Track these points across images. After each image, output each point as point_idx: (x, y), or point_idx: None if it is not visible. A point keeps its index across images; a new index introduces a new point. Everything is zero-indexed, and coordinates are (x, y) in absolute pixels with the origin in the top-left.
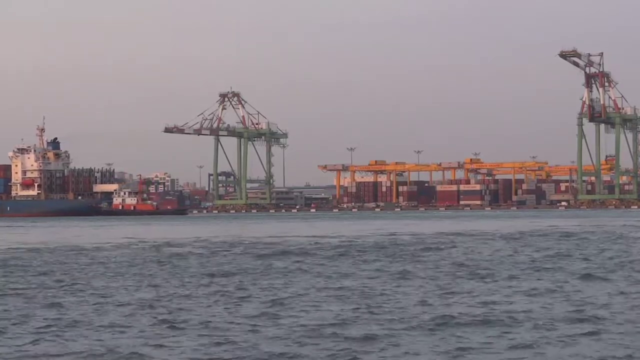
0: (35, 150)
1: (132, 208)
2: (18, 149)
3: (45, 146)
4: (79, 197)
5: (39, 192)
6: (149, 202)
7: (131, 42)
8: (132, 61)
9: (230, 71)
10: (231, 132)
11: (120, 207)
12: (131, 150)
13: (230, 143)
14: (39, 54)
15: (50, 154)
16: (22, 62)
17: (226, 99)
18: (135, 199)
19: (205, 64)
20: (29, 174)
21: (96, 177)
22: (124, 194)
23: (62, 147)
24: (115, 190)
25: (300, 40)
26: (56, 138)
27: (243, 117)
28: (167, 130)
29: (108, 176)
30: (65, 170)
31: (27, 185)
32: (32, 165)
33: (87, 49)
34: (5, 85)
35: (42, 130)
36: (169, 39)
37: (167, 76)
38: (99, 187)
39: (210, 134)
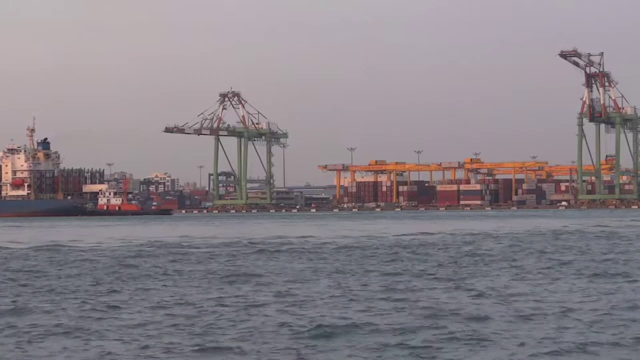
0: (25, 151)
1: (116, 208)
2: (8, 149)
3: (36, 146)
4: (69, 197)
5: (29, 192)
6: (133, 202)
7: (131, 42)
8: (132, 61)
9: (230, 71)
10: (231, 132)
11: (105, 207)
12: (131, 150)
13: (230, 143)
14: (38, 54)
15: (40, 154)
16: (21, 62)
17: (226, 99)
18: (120, 199)
19: (205, 64)
20: (19, 174)
21: (86, 177)
22: (109, 194)
23: (58, 147)
24: (100, 190)
25: (300, 40)
26: (46, 138)
27: (243, 117)
28: (167, 130)
29: (98, 176)
30: (55, 171)
31: (17, 185)
32: (22, 165)
33: (87, 49)
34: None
35: (32, 130)
36: (169, 39)
37: (167, 76)
38: (89, 187)
39: (210, 134)
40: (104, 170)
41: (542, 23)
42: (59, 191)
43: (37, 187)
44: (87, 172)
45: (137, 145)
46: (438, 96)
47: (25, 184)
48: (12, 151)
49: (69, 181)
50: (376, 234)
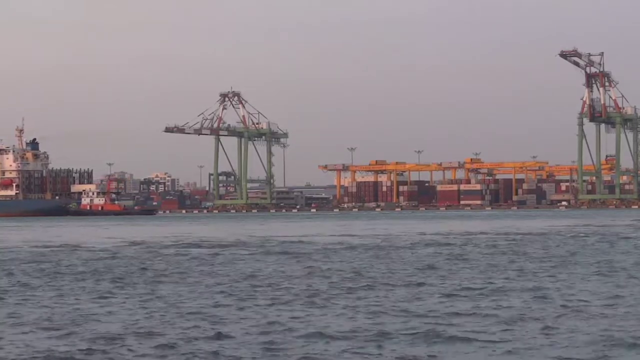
0: (14, 151)
1: (99, 208)
2: None
3: (24, 147)
4: (57, 197)
5: (17, 192)
6: (116, 202)
7: (131, 42)
8: (132, 61)
9: (230, 71)
10: (231, 132)
11: (88, 207)
12: (131, 150)
13: (230, 143)
14: (38, 54)
15: (29, 155)
16: (21, 62)
17: (226, 99)
18: (104, 199)
19: (205, 64)
20: (7, 174)
21: (74, 177)
22: (93, 194)
23: (58, 147)
24: (83, 190)
25: (300, 40)
26: (35, 139)
27: (243, 116)
28: (168, 130)
29: (86, 176)
30: (44, 171)
31: (5, 185)
32: (10, 165)
33: (87, 49)
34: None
35: (21, 131)
36: (169, 39)
37: (167, 76)
38: (77, 188)
39: (210, 134)
40: (92, 170)
41: (542, 23)
42: (47, 191)
43: (25, 187)
44: (76, 173)
45: (137, 145)
46: (438, 96)
47: (14, 184)
48: (0, 151)
49: (57, 181)
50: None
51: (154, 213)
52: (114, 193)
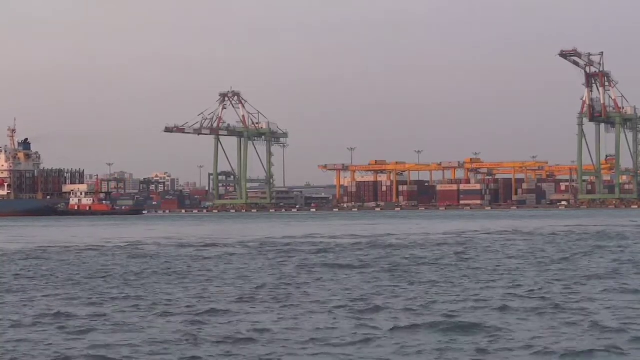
0: (5, 151)
1: (87, 208)
2: None
3: (16, 147)
4: (48, 197)
5: (9, 192)
6: (104, 202)
7: (131, 42)
8: (132, 61)
9: (230, 71)
10: (231, 132)
11: (76, 207)
12: (131, 150)
13: (230, 143)
14: (38, 54)
15: (21, 155)
16: (21, 62)
17: (226, 99)
18: (91, 199)
19: (205, 64)
20: None
21: (65, 177)
22: (81, 194)
23: (58, 147)
24: (72, 190)
25: (300, 40)
26: (27, 139)
27: (243, 116)
28: (167, 130)
29: (78, 177)
30: (35, 171)
31: None
32: (2, 165)
33: (87, 49)
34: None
35: (13, 131)
36: (169, 39)
37: (167, 76)
38: (68, 188)
39: (210, 134)
40: (84, 170)
41: (542, 23)
42: (38, 191)
43: (17, 187)
44: (67, 172)
45: (137, 145)
46: (438, 96)
47: (6, 184)
48: None
49: (48, 181)
50: None
51: (142, 212)
52: (104, 193)
